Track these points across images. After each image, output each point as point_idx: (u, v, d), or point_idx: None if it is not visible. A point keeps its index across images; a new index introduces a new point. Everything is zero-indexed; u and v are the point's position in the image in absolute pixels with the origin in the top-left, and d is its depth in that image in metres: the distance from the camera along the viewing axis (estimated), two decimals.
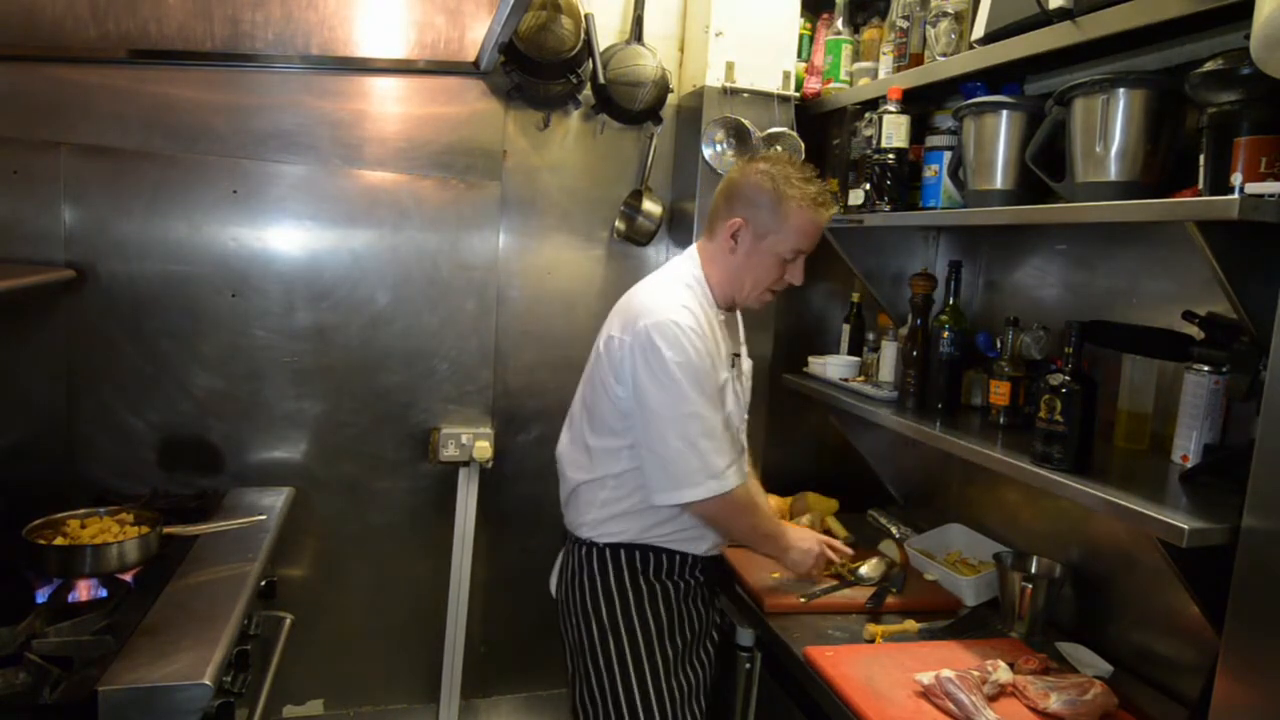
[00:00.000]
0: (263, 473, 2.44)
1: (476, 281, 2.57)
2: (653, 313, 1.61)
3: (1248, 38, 1.11)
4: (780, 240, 1.68)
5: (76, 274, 2.22)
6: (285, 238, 2.39)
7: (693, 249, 1.79)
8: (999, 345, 1.93)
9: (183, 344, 2.34)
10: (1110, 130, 1.48)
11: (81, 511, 1.82)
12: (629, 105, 2.53)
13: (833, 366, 2.41)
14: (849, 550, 1.98)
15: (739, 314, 1.89)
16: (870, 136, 2.17)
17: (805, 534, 1.92)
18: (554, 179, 2.61)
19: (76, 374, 2.28)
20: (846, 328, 2.60)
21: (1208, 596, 1.37)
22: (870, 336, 2.52)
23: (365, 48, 2.38)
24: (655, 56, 2.54)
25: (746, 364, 1.89)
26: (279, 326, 2.42)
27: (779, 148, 2.47)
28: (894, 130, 2.05)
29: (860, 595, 1.94)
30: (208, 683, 1.34)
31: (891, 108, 2.05)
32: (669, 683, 1.69)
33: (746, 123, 2.41)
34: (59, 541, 1.72)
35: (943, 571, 2.02)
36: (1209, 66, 1.30)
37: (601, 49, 2.46)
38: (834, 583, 1.99)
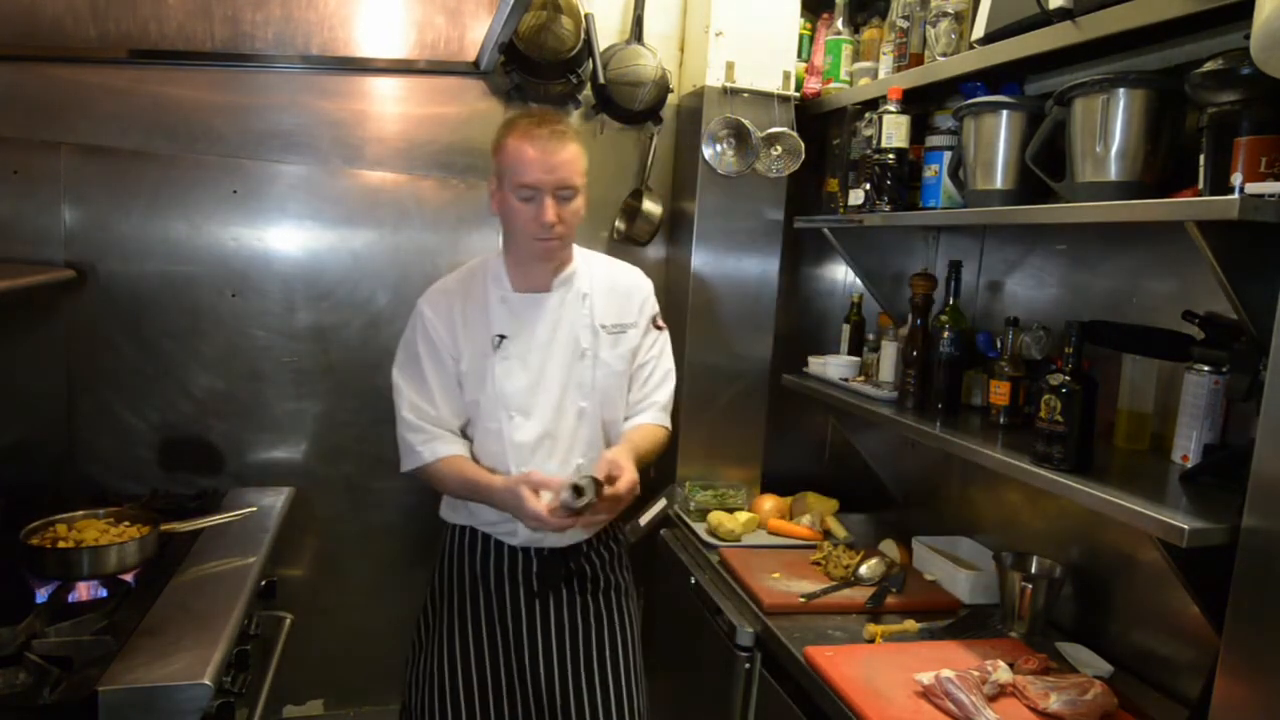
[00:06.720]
0: (263, 473, 2.45)
1: None
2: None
3: (1248, 38, 1.11)
4: (507, 178, 1.64)
5: (76, 274, 2.22)
6: (285, 238, 2.39)
7: None
8: (999, 345, 1.93)
9: (183, 344, 2.35)
10: (1110, 130, 1.48)
11: (80, 513, 1.82)
12: (629, 105, 2.53)
13: (833, 366, 2.41)
14: (555, 480, 1.61)
15: (579, 291, 1.76)
16: (870, 136, 2.17)
17: (506, 481, 1.66)
18: None
19: (76, 374, 2.28)
20: (846, 328, 2.60)
21: (1208, 596, 1.37)
22: (870, 336, 2.52)
23: (365, 48, 2.38)
24: (655, 56, 2.54)
25: (600, 344, 1.77)
26: (279, 326, 2.42)
27: (779, 148, 2.47)
28: (894, 130, 2.05)
29: (860, 595, 1.94)
30: (208, 683, 1.34)
31: (891, 108, 2.05)
32: (462, 673, 1.75)
33: (746, 123, 2.42)
34: (59, 544, 1.71)
35: (943, 569, 2.02)
36: (1209, 66, 1.30)
37: (601, 49, 2.45)
38: (834, 583, 1.99)
